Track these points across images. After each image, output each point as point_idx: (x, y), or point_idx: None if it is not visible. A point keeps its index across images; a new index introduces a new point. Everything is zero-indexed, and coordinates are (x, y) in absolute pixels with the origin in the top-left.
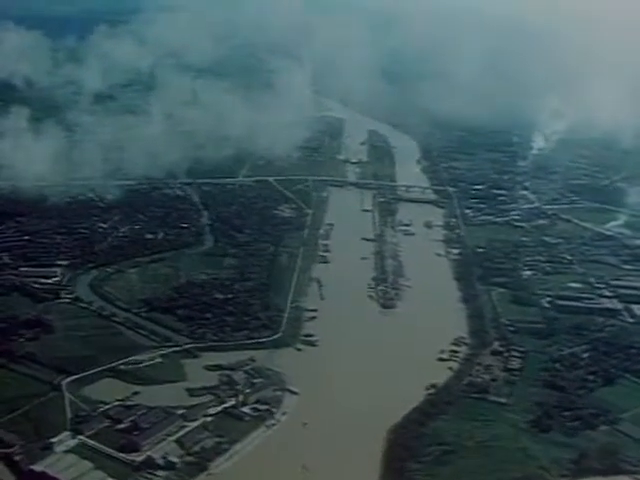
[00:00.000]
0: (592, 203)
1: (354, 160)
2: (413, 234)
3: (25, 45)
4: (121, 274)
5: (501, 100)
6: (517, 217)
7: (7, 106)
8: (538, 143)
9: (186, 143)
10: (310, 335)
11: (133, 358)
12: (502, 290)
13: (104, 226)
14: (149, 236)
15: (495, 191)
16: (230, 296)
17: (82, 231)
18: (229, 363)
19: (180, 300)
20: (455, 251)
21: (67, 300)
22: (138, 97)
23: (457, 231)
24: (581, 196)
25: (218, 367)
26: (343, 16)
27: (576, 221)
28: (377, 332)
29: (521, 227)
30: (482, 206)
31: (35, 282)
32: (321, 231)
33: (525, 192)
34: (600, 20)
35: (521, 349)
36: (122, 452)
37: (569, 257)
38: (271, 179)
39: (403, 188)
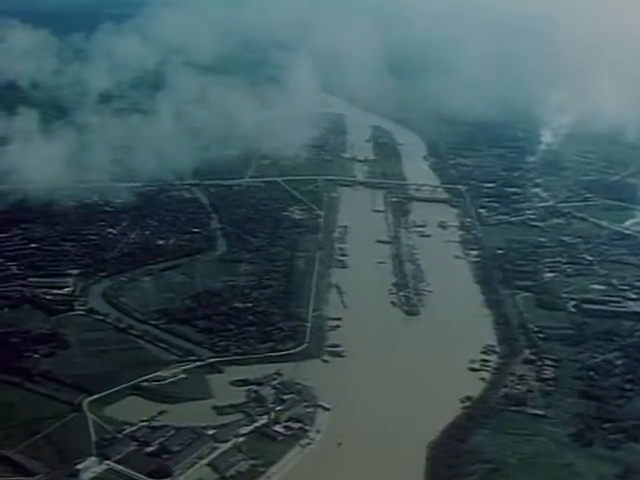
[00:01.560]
0: (605, 200)
1: (361, 158)
2: (429, 235)
3: (30, 44)
4: (135, 283)
5: (505, 95)
6: (532, 216)
7: (13, 108)
8: (545, 138)
9: (192, 143)
10: (336, 345)
11: (156, 374)
12: (526, 294)
13: (113, 232)
14: (160, 242)
15: (507, 189)
16: (250, 305)
17: (91, 237)
18: (256, 378)
19: (199, 310)
20: (474, 253)
21: (81, 312)
22: (144, 96)
23: (473, 232)
24: (593, 193)
25: (245, 382)
26: (346, 11)
27: (592, 219)
28: (404, 341)
29: (537, 227)
30: (496, 205)
31: (46, 293)
32: (335, 234)
33: (537, 189)
34: (604, 14)
35: (553, 357)
36: (153, 478)
37: (589, 258)
38: (279, 179)
39: (413, 187)
